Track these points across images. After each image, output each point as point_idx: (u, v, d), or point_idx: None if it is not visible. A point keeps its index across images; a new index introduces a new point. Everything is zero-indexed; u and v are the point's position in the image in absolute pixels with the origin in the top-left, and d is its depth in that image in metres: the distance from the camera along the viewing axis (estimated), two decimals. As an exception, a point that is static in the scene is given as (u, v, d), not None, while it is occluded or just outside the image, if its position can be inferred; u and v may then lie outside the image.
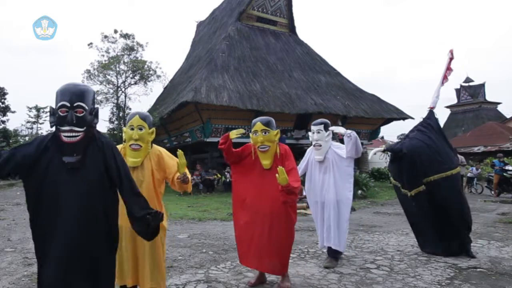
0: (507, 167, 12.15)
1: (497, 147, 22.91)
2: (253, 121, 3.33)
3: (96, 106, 2.16)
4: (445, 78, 4.92)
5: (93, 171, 2.01)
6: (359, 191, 11.69)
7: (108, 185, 2.06)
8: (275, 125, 3.30)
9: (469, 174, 13.97)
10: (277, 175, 2.85)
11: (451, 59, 4.96)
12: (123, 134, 2.79)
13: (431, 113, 4.75)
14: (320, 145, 4.02)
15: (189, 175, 2.66)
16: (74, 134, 1.98)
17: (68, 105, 1.99)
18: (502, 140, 25.01)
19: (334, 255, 4.01)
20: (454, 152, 4.66)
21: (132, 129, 2.68)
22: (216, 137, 14.22)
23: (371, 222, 7.05)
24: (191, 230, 6.12)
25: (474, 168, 14.28)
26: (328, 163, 4.02)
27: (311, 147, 4.21)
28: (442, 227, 4.36)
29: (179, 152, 2.60)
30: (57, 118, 2.01)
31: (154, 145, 2.86)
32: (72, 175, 1.96)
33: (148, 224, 2.04)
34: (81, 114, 2.01)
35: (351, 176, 4.07)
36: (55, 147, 2.01)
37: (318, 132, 4.05)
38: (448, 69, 4.93)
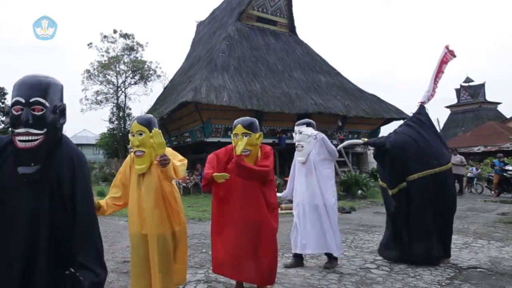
0: (507, 167, 12.14)
1: (497, 147, 22.89)
2: (234, 122, 3.12)
3: (63, 103, 1.77)
4: (439, 72, 4.60)
5: (47, 187, 1.63)
6: (359, 191, 11.68)
7: (60, 209, 1.64)
8: (258, 126, 3.11)
9: (469, 174, 13.97)
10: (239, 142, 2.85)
11: (447, 54, 4.64)
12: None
13: (421, 107, 4.53)
14: (303, 146, 3.91)
15: (172, 161, 2.40)
16: (30, 138, 1.60)
17: (23, 101, 1.61)
18: (502, 140, 25.00)
19: (330, 255, 3.94)
20: (446, 148, 4.42)
21: (133, 135, 2.58)
22: (216, 137, 14.23)
23: (371, 222, 7.05)
24: (191, 230, 6.12)
25: (474, 168, 14.27)
26: (310, 164, 3.90)
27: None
28: (421, 228, 3.96)
29: (155, 130, 2.38)
30: (10, 118, 1.63)
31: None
32: (29, 190, 1.60)
33: (76, 282, 1.55)
34: (40, 113, 1.62)
35: (331, 179, 3.94)
36: (12, 155, 1.63)
37: (300, 133, 3.96)
38: (444, 61, 4.63)
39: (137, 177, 2.59)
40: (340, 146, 4.69)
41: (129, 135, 2.63)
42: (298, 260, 3.95)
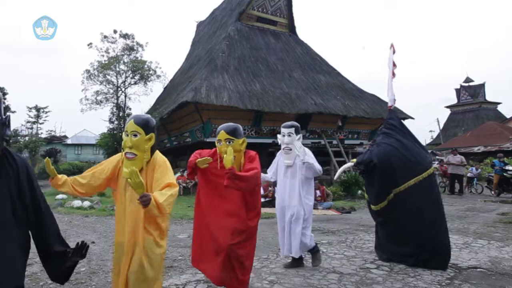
0: (507, 167, 12.14)
1: (497, 147, 22.90)
2: (218, 128, 3.12)
3: (7, 114, 1.75)
4: (393, 74, 4.66)
5: (3, 200, 1.64)
6: (359, 191, 11.68)
7: (22, 218, 1.70)
8: (241, 132, 3.10)
9: (469, 174, 13.96)
10: (224, 155, 2.73)
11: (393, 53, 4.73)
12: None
13: (391, 112, 4.52)
14: (290, 149, 3.85)
15: (154, 198, 2.07)
16: None
17: None
18: (502, 140, 25.02)
19: (314, 251, 3.93)
20: (424, 149, 4.37)
21: (127, 135, 2.36)
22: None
23: (371, 222, 7.02)
24: (191, 230, 6.10)
25: (473, 168, 14.26)
26: (295, 167, 3.87)
27: (281, 150, 4.01)
28: (410, 233, 3.96)
29: (132, 169, 2.04)
30: None
31: (159, 155, 2.46)
32: None
33: (65, 261, 1.77)
34: None
35: (312, 180, 3.96)
36: None
37: (289, 135, 3.87)
38: (394, 64, 4.70)
39: (124, 181, 2.37)
40: (336, 177, 4.85)
41: (123, 133, 2.43)
42: (296, 261, 3.94)
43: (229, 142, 2.98)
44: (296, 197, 3.82)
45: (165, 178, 2.28)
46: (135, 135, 2.34)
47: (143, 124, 2.37)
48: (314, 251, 3.94)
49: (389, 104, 4.65)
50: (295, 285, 3.36)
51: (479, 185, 13.81)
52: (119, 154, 2.49)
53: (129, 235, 2.31)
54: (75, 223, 7.15)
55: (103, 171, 2.45)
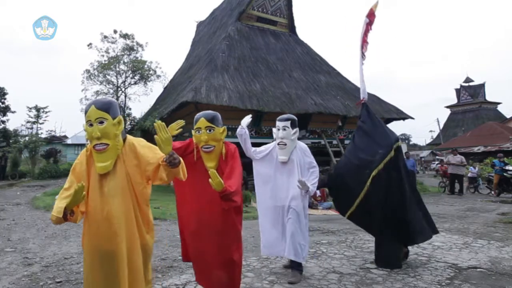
0: (507, 167, 12.15)
1: (497, 147, 22.90)
2: (196, 116, 2.85)
3: None
4: (364, 47, 4.16)
5: None
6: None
7: None
8: (221, 121, 2.86)
9: (469, 174, 13.87)
10: (210, 180, 2.39)
11: (368, 24, 4.16)
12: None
13: (361, 108, 4.32)
14: (285, 144, 3.58)
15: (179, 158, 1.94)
16: None
17: None
18: (502, 140, 25.02)
19: (297, 267, 3.55)
20: (385, 137, 3.98)
21: (91, 125, 2.04)
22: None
23: (371, 222, 7.04)
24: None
25: (473, 168, 14.09)
26: (292, 165, 3.58)
27: (274, 142, 3.73)
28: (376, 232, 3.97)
29: (158, 123, 1.91)
30: None
31: (128, 137, 2.19)
32: None
33: None
34: None
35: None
36: None
37: (284, 129, 3.61)
38: (365, 40, 4.18)
39: (98, 177, 2.06)
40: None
41: (85, 125, 2.09)
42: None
43: (210, 131, 2.73)
44: (297, 198, 3.51)
45: (157, 154, 2.03)
46: (102, 122, 2.03)
47: (107, 107, 2.07)
48: (298, 268, 3.55)
49: (361, 97, 4.29)
50: (295, 285, 3.36)
51: (486, 187, 13.42)
52: (84, 150, 2.17)
53: (120, 240, 2.01)
54: (76, 223, 7.14)
55: (80, 180, 2.06)
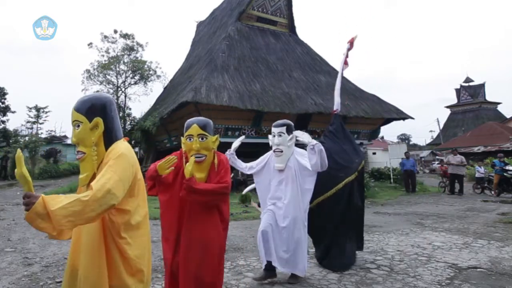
0: (507, 167, 12.14)
1: (497, 147, 22.93)
2: (188, 122, 2.63)
3: None
4: (344, 68, 4.58)
5: None
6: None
7: None
8: (213, 129, 2.67)
9: (477, 175, 13.55)
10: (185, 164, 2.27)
11: (349, 49, 4.58)
12: None
13: (334, 117, 4.36)
14: (281, 151, 3.41)
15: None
16: None
17: None
18: (502, 140, 25.05)
19: (294, 280, 3.43)
20: (358, 151, 4.24)
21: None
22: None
23: (371, 222, 7.04)
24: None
25: (480, 168, 13.74)
26: (289, 173, 3.39)
27: (270, 151, 3.60)
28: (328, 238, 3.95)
29: (18, 155, 1.40)
30: None
31: (119, 145, 1.73)
32: None
33: None
34: None
35: (311, 192, 3.45)
36: None
37: (280, 135, 3.46)
38: (346, 62, 4.56)
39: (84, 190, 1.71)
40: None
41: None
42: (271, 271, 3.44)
43: (202, 139, 2.50)
44: (291, 207, 3.33)
45: (99, 177, 1.53)
46: (78, 126, 1.70)
47: (84, 107, 1.71)
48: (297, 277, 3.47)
49: (334, 108, 4.42)
50: (295, 285, 3.36)
51: (486, 186, 13.14)
52: None
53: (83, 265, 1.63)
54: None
55: None
